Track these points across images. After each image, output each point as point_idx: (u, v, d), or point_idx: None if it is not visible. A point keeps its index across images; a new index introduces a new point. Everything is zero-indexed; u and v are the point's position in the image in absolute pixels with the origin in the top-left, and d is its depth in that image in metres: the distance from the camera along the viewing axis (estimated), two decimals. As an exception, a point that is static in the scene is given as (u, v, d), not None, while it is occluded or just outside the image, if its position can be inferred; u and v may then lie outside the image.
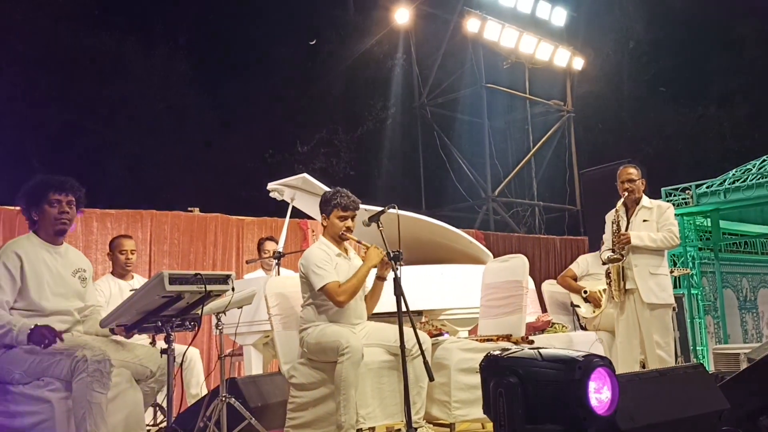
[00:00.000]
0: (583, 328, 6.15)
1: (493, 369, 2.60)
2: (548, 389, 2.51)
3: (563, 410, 2.47)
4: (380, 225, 3.97)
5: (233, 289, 3.34)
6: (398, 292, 3.79)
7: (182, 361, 4.65)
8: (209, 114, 16.44)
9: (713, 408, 3.04)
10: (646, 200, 5.09)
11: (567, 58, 14.64)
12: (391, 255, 3.82)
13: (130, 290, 5.20)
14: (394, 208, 3.96)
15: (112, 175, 15.06)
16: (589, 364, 2.50)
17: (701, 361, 9.46)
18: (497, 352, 2.65)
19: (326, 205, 4.13)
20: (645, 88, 18.87)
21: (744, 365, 6.28)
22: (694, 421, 2.93)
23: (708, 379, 3.19)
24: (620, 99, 18.89)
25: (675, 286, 9.21)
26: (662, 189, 10.97)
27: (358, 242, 4.09)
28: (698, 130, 18.56)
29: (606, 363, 2.57)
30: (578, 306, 6.06)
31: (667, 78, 18.63)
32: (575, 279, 6.21)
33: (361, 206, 4.26)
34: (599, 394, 2.50)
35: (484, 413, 2.66)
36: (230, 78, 17.10)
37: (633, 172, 5.07)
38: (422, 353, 3.70)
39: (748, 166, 9.18)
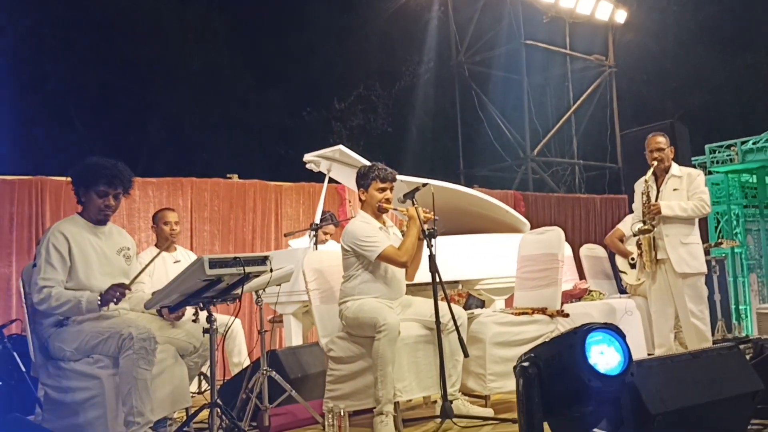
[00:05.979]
0: (624, 292, 6.12)
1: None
2: (557, 368, 2.57)
3: (573, 384, 2.53)
4: (415, 202, 4.01)
5: (271, 270, 3.43)
6: (433, 269, 3.85)
7: (225, 331, 4.78)
8: (245, 72, 16.47)
9: (747, 389, 3.03)
10: (675, 168, 5.00)
11: (609, 11, 14.16)
12: (426, 232, 3.88)
13: (174, 261, 5.36)
14: (427, 185, 3.99)
15: (151, 136, 15.28)
16: (584, 329, 2.56)
17: (743, 321, 9.36)
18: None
19: (364, 179, 4.15)
20: (690, 37, 18.24)
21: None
22: (727, 403, 2.94)
23: (742, 360, 3.18)
24: (665, 49, 18.29)
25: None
26: (706, 146, 10.75)
27: (395, 210, 4.13)
28: (746, 80, 17.97)
29: (607, 326, 2.62)
30: (624, 272, 6.01)
31: (713, 25, 17.97)
32: (622, 240, 6.14)
33: (398, 177, 4.29)
34: (604, 356, 2.54)
35: None
36: (266, 35, 17.04)
37: (661, 140, 4.98)
38: (457, 330, 3.76)
39: (797, 121, 8.92)
